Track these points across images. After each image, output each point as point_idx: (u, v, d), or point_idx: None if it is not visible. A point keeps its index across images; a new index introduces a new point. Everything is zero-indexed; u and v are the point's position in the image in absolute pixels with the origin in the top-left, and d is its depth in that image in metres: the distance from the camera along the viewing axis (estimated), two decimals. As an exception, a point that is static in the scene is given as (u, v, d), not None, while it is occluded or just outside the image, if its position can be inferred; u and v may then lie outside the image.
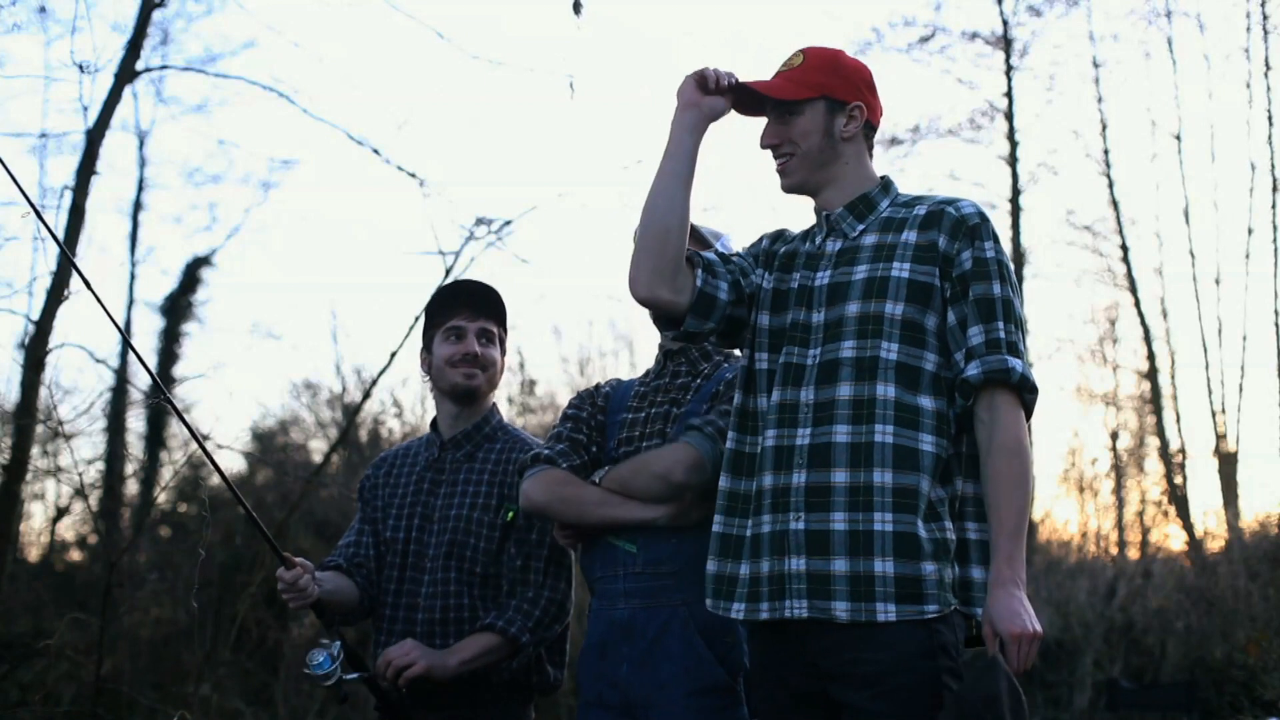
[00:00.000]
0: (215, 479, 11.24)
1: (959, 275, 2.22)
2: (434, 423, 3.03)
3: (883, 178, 2.39)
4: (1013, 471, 2.13)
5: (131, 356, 14.26)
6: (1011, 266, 2.28)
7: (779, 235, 2.49)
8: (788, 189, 2.38)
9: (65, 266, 5.57)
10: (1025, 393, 2.18)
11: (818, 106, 2.32)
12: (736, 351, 2.72)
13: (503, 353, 3.00)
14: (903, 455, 2.14)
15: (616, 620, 2.50)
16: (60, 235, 5.58)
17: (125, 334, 2.94)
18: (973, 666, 2.09)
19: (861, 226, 2.33)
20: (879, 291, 2.22)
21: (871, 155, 2.41)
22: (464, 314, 2.94)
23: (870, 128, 2.38)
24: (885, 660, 2.08)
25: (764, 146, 2.37)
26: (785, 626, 2.19)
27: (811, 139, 2.32)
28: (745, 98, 2.37)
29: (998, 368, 2.15)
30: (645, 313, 2.48)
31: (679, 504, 2.46)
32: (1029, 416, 2.20)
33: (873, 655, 2.09)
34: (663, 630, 2.44)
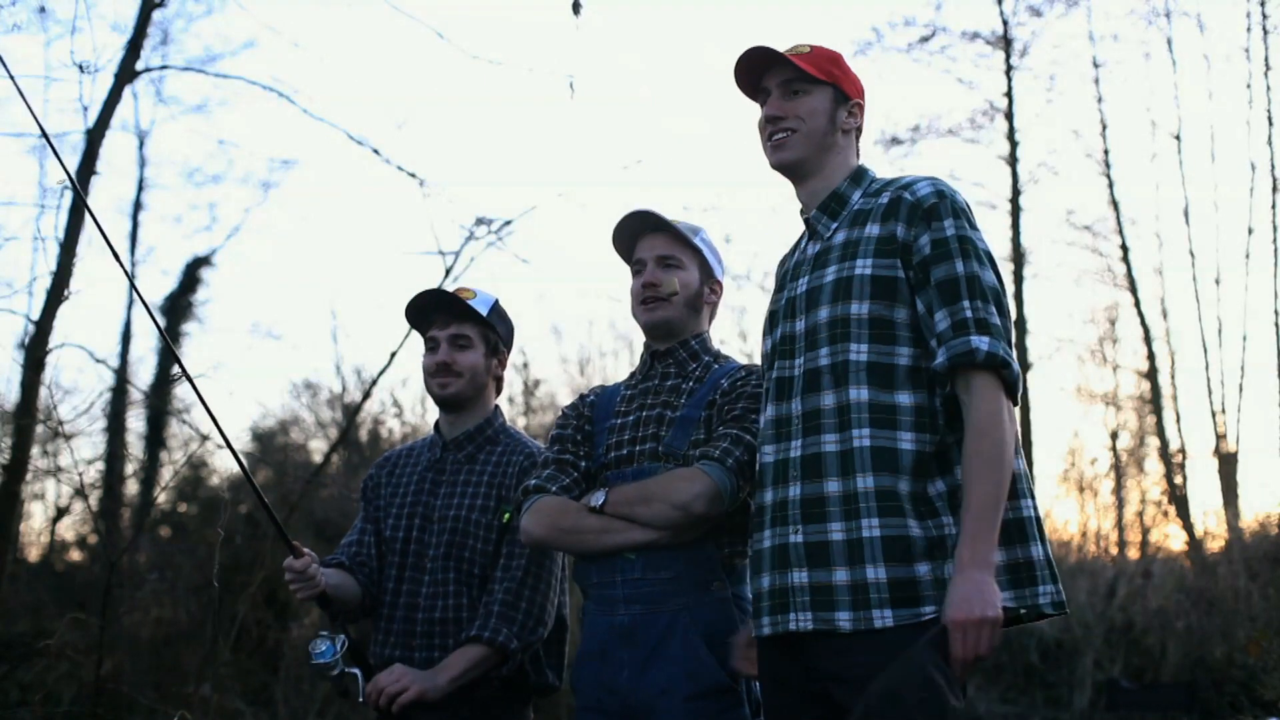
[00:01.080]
0: (215, 478, 11.24)
1: (919, 262, 2.18)
2: (437, 424, 3.04)
3: (856, 168, 2.38)
4: (981, 450, 2.06)
5: (132, 356, 14.25)
6: (979, 238, 2.21)
7: (783, 261, 2.48)
8: (781, 163, 2.36)
9: (66, 266, 5.57)
10: (1000, 369, 2.10)
11: (826, 92, 2.34)
12: (725, 351, 2.74)
13: (490, 351, 2.98)
14: (881, 457, 2.12)
15: (617, 626, 2.48)
16: (60, 236, 5.59)
17: (130, 275, 2.90)
18: (901, 656, 2.03)
19: (835, 225, 2.33)
20: (845, 293, 2.21)
21: (858, 158, 2.42)
22: (437, 323, 2.95)
23: (859, 131, 2.41)
24: (884, 664, 2.05)
25: (769, 117, 2.35)
26: (790, 638, 2.18)
27: (818, 119, 2.33)
28: (748, 74, 2.38)
29: (961, 350, 2.10)
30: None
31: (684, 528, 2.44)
32: (1012, 392, 2.12)
33: (869, 659, 2.06)
34: (665, 635, 2.43)
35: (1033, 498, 2.17)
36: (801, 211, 2.41)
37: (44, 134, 2.72)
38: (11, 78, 2.65)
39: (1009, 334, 2.17)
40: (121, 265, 2.71)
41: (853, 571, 2.10)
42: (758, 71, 2.37)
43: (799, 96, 2.33)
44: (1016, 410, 2.16)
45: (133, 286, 2.73)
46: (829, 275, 2.25)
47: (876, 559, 2.08)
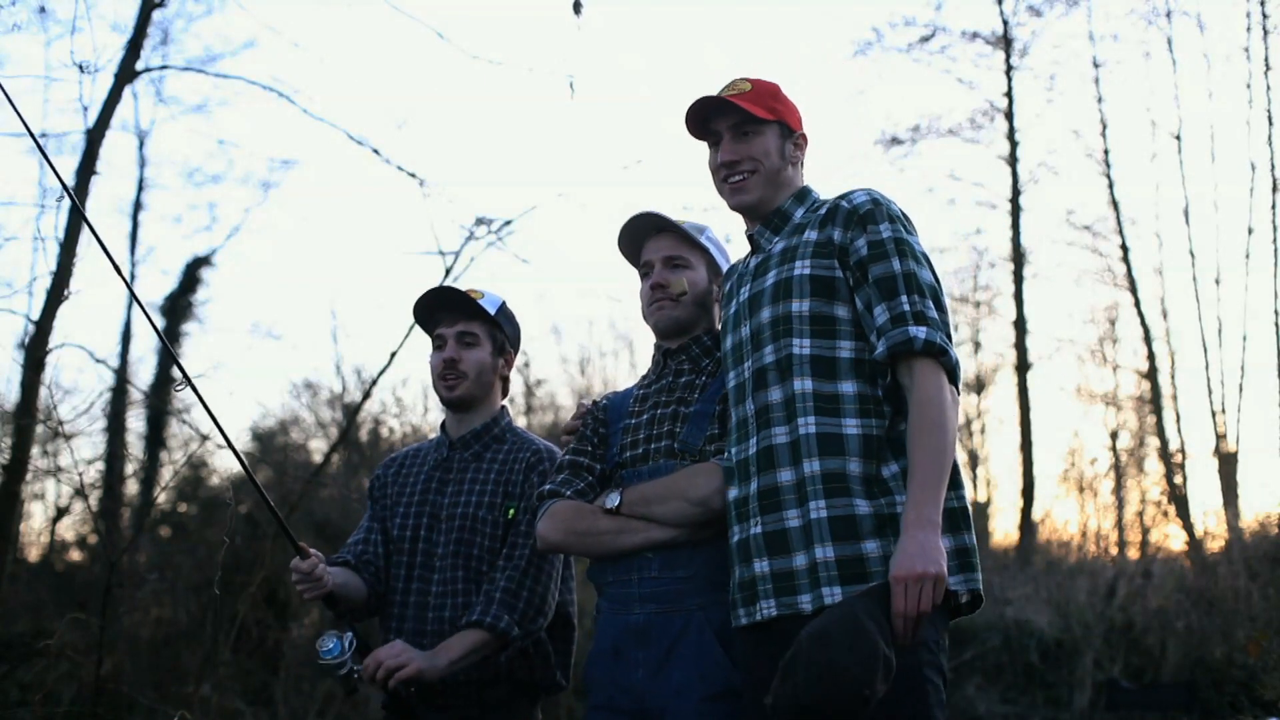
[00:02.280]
0: (215, 478, 11.24)
1: (857, 262, 2.27)
2: (443, 424, 3.04)
3: (801, 188, 2.48)
4: (922, 421, 2.15)
5: (132, 356, 14.25)
6: (916, 242, 2.31)
7: (729, 274, 2.59)
8: (743, 204, 2.46)
9: (66, 266, 5.56)
10: (939, 356, 2.19)
11: (774, 129, 2.44)
12: None
13: (498, 351, 2.99)
14: (826, 442, 2.20)
15: (632, 625, 2.47)
16: (60, 236, 5.59)
17: (130, 286, 2.87)
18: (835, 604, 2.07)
19: (777, 238, 2.43)
20: (785, 293, 2.30)
21: (802, 182, 2.52)
22: (445, 321, 2.97)
23: (802, 160, 2.51)
24: None
25: (724, 162, 2.44)
26: (765, 629, 2.24)
27: (771, 158, 2.43)
28: (696, 118, 2.45)
29: (900, 340, 2.19)
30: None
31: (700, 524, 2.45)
32: (953, 377, 2.22)
33: None
34: (680, 635, 2.43)
35: (963, 488, 2.25)
36: (746, 230, 2.51)
37: (39, 146, 2.70)
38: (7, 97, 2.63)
39: (948, 327, 2.26)
40: (120, 274, 2.69)
41: (809, 554, 2.18)
42: (706, 115, 2.45)
43: (750, 138, 2.43)
44: (959, 397, 2.25)
45: (133, 295, 2.71)
46: (769, 279, 2.36)
47: (825, 539, 2.16)
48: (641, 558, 2.48)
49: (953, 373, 2.22)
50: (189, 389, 2.61)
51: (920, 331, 2.19)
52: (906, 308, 2.21)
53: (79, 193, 5.73)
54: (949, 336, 2.24)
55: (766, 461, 2.26)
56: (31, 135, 2.67)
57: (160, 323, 14.16)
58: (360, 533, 3.03)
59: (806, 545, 2.18)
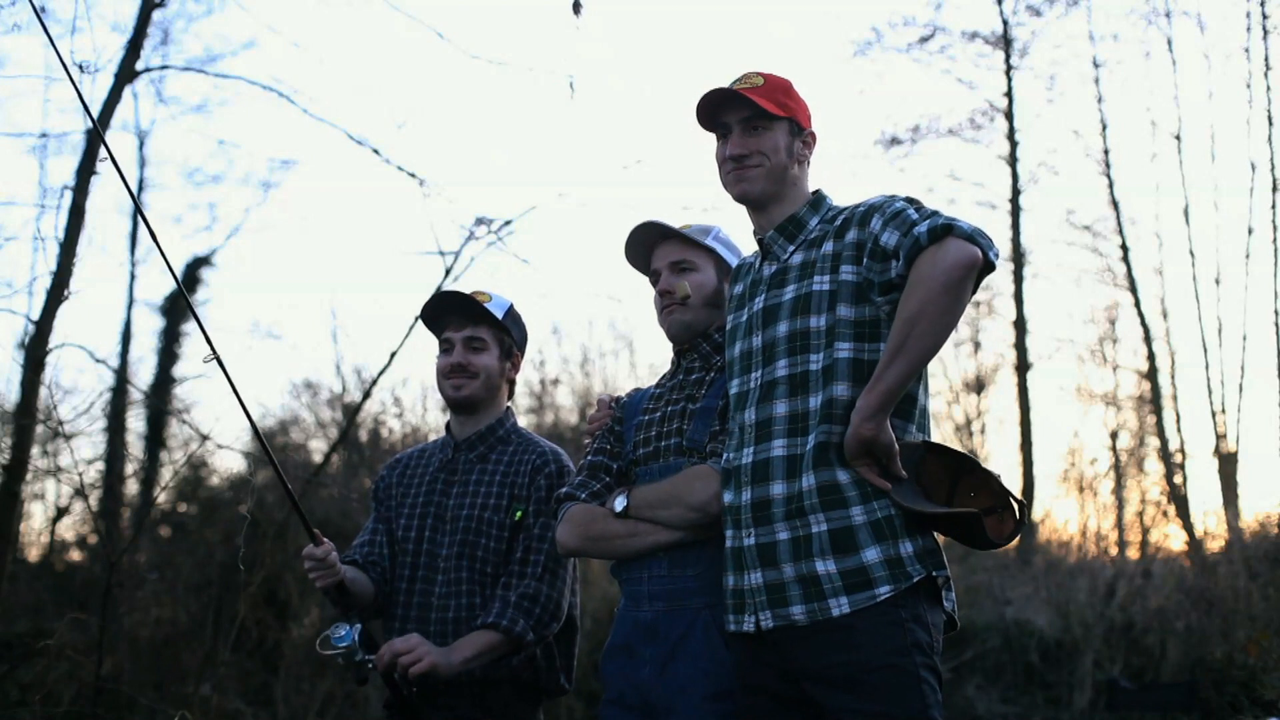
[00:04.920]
0: (215, 479, 11.24)
1: (879, 229, 2.23)
2: (448, 425, 3.05)
3: (814, 193, 2.46)
4: (934, 282, 2.09)
5: (132, 356, 14.23)
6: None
7: (736, 273, 2.58)
8: (746, 194, 2.44)
9: (66, 266, 5.57)
10: (979, 238, 2.12)
11: (784, 126, 2.43)
12: None
13: (504, 355, 3.00)
14: (822, 452, 2.21)
15: (641, 622, 2.51)
16: (60, 236, 5.59)
17: (139, 207, 2.89)
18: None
19: (792, 247, 2.42)
20: (804, 308, 2.30)
21: (809, 183, 2.50)
22: (453, 324, 2.98)
23: (810, 159, 2.50)
24: (846, 649, 2.13)
25: (732, 155, 2.42)
26: (757, 638, 2.26)
27: (780, 155, 2.42)
28: (707, 109, 2.44)
29: (944, 221, 2.13)
30: (646, 314, 2.51)
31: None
32: (989, 269, 2.14)
33: (832, 648, 2.14)
34: (685, 634, 2.46)
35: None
36: (755, 233, 2.49)
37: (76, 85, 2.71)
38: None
39: None
40: (143, 216, 2.71)
41: (797, 566, 2.20)
42: (716, 107, 2.44)
43: (760, 133, 2.41)
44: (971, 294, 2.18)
45: (155, 240, 2.73)
46: (787, 294, 2.34)
47: (825, 553, 2.17)
48: (653, 556, 2.51)
49: (989, 260, 2.13)
50: (204, 369, 2.63)
51: (960, 221, 2.13)
52: (928, 210, 2.18)
53: (79, 192, 5.73)
54: None
55: (760, 474, 2.27)
56: (67, 70, 2.66)
57: (159, 323, 14.17)
58: (366, 534, 3.04)
59: (795, 558, 2.21)
